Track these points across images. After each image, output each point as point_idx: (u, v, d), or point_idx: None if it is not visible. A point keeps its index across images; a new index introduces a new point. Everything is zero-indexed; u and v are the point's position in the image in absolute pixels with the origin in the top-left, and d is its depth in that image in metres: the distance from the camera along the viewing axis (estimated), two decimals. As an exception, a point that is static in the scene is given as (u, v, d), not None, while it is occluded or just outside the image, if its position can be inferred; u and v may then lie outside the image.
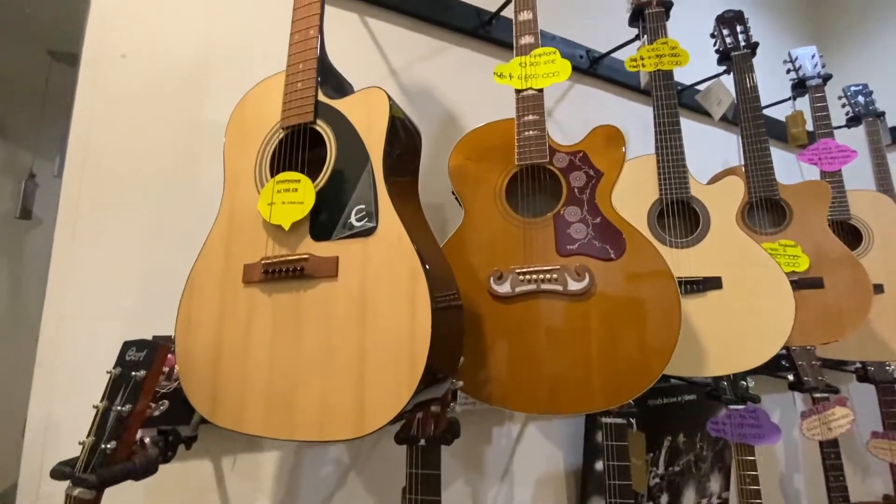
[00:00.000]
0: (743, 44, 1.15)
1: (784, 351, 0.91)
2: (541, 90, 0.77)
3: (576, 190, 0.73)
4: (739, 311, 0.83)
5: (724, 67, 1.20)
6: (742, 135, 1.10)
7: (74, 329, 0.70)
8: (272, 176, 0.60)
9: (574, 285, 0.68)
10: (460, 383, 0.67)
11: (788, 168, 1.73)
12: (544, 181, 0.77)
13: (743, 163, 1.10)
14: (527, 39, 0.80)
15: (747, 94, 1.11)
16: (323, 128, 0.60)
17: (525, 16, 0.83)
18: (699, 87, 1.44)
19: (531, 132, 0.76)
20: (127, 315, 0.73)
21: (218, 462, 0.77)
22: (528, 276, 0.70)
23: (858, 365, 1.23)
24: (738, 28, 1.18)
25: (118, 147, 0.77)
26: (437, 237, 0.66)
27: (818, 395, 1.02)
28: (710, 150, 1.56)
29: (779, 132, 1.64)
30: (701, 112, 1.35)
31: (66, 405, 0.68)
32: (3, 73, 1.89)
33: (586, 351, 0.67)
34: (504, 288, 0.71)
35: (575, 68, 1.26)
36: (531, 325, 0.70)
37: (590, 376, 0.66)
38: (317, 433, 0.50)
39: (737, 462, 0.90)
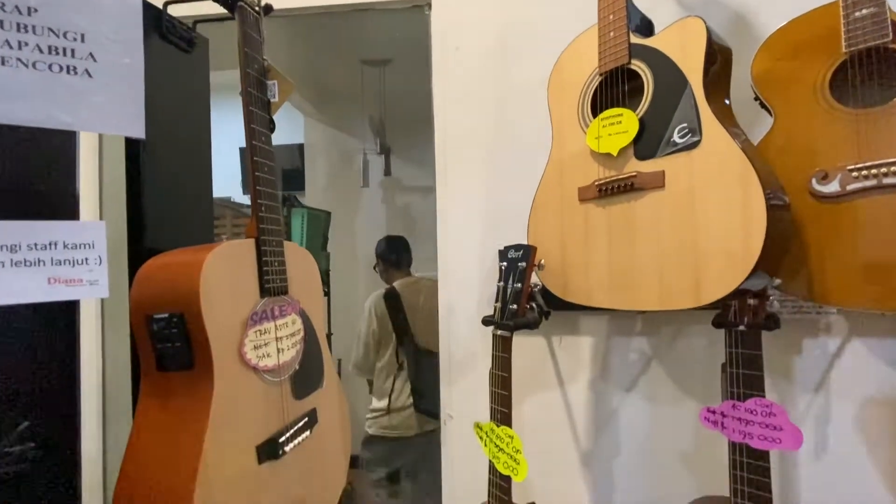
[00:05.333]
0: None
1: None
2: (878, -41, 0.67)
3: (938, 66, 0.63)
4: None
5: None
6: None
7: (455, 240, 1.08)
8: (594, 116, 0.76)
9: (936, 175, 0.62)
10: (778, 280, 0.71)
11: None
12: (883, 66, 0.68)
13: None
14: None
15: None
16: (638, 65, 0.71)
17: None
18: None
19: (865, 10, 0.68)
20: (481, 232, 1.06)
21: (549, 340, 1.05)
22: (864, 173, 0.67)
23: None
24: None
25: (459, 113, 1.08)
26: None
27: None
28: None
29: None
30: None
31: (457, 290, 1.07)
32: (329, 83, 2.70)
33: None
34: (831, 188, 0.70)
35: None
36: (870, 222, 0.67)
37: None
38: (658, 303, 0.66)
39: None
